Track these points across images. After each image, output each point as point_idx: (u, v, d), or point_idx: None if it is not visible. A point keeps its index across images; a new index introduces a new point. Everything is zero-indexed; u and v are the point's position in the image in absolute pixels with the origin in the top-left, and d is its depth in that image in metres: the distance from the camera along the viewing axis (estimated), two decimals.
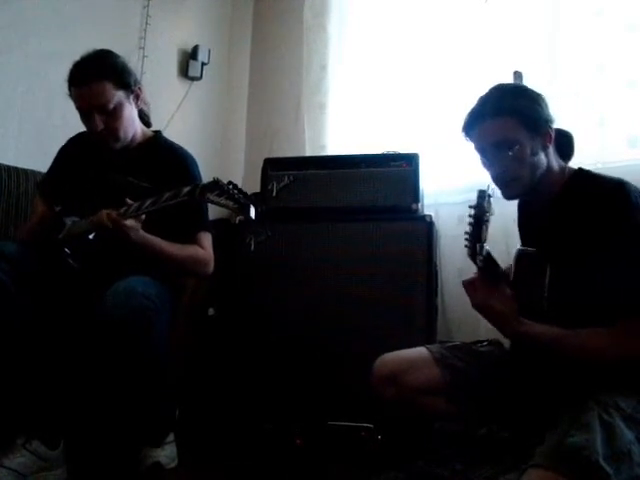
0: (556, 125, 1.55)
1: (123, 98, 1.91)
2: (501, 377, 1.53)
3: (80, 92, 1.88)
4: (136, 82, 1.98)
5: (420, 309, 2.24)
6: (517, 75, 2.62)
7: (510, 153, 1.47)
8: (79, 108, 1.90)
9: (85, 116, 1.90)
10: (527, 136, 1.48)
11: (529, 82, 2.56)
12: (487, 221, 1.32)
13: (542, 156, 1.50)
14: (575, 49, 2.51)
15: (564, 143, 1.59)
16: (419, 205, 2.37)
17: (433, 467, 1.84)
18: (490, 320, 1.46)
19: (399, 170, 2.40)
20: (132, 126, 1.97)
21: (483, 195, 1.32)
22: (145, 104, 2.06)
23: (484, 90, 1.58)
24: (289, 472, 1.99)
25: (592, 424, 1.19)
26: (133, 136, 2.00)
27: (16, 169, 2.35)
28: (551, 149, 1.52)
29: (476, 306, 1.47)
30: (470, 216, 1.33)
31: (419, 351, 1.67)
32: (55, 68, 2.56)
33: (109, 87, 1.87)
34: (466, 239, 1.35)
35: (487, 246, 1.34)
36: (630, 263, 1.33)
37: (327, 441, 2.19)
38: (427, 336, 2.22)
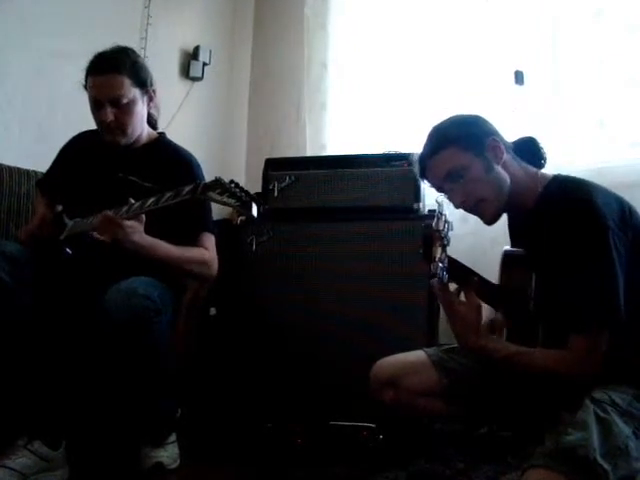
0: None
1: (137, 96, 1.93)
2: (499, 378, 1.53)
3: (97, 81, 1.89)
4: (152, 84, 2.00)
5: (422, 309, 2.24)
6: (518, 75, 2.63)
7: (462, 180, 1.48)
8: (93, 98, 1.91)
9: (97, 106, 1.91)
10: (472, 157, 1.47)
11: (530, 82, 2.59)
12: (442, 238, 1.31)
13: (500, 169, 1.48)
14: (576, 49, 2.51)
15: (530, 150, 1.58)
16: (420, 205, 2.37)
17: (434, 466, 1.85)
18: (452, 325, 1.44)
19: (400, 170, 2.39)
20: (140, 125, 1.99)
21: (433, 214, 1.32)
22: (156, 108, 2.08)
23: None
24: (290, 472, 1.99)
25: (588, 422, 1.20)
26: (139, 136, 2.01)
27: (17, 169, 2.35)
28: (509, 160, 1.50)
29: (444, 306, 1.45)
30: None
31: (417, 355, 1.67)
32: (56, 67, 2.58)
33: (127, 82, 1.89)
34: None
35: (440, 262, 1.31)
36: (582, 281, 1.33)
37: (328, 441, 2.19)
38: (429, 336, 2.22)
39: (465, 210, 1.54)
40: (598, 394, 1.27)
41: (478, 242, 2.46)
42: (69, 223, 1.92)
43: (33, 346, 1.78)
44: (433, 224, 1.28)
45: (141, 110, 1.97)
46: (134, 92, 1.92)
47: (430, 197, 2.55)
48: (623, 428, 1.21)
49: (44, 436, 1.74)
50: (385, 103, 3.03)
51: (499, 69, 2.67)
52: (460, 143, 1.48)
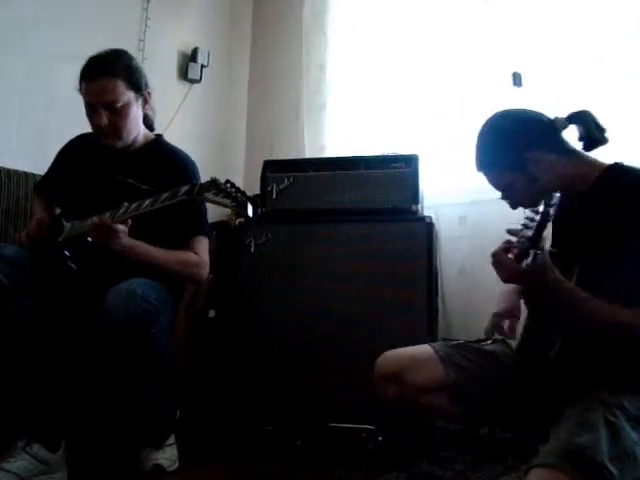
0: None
1: (132, 99, 1.92)
2: (505, 376, 1.52)
3: (91, 87, 1.89)
4: (146, 86, 1.99)
5: (420, 310, 2.24)
6: (516, 76, 2.63)
7: (511, 192, 1.54)
8: (87, 103, 1.91)
9: (91, 111, 1.91)
10: (515, 174, 1.50)
11: (528, 83, 2.59)
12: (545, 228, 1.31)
13: (545, 175, 1.48)
14: (574, 50, 2.51)
15: (585, 122, 1.52)
16: (419, 206, 2.37)
17: (434, 467, 1.84)
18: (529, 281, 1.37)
19: (399, 171, 2.40)
20: (136, 128, 1.98)
21: (550, 203, 1.30)
22: (151, 109, 2.07)
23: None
24: (290, 474, 1.99)
25: (597, 424, 1.19)
26: (135, 138, 2.01)
27: (16, 171, 2.35)
28: (554, 160, 1.48)
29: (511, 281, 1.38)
30: (532, 220, 1.31)
31: (423, 349, 1.64)
32: (54, 70, 2.58)
33: (120, 85, 1.88)
34: (520, 241, 1.32)
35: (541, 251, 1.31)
36: None
37: (328, 443, 2.19)
38: (428, 337, 2.21)
39: None
40: (608, 398, 1.26)
41: (477, 243, 2.47)
42: (67, 225, 1.92)
43: (32, 348, 1.77)
44: (551, 212, 1.27)
45: (136, 113, 1.96)
46: (128, 95, 1.91)
47: (429, 199, 2.57)
48: (630, 433, 1.20)
49: (43, 439, 1.74)
50: (384, 105, 3.03)
51: (497, 71, 2.67)
52: (499, 165, 1.53)
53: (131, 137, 1.97)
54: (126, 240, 1.76)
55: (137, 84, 1.94)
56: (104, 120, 1.88)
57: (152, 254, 1.86)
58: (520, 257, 1.28)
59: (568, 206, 1.53)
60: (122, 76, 1.89)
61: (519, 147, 1.50)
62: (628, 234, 1.35)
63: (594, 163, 1.51)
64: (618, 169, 1.48)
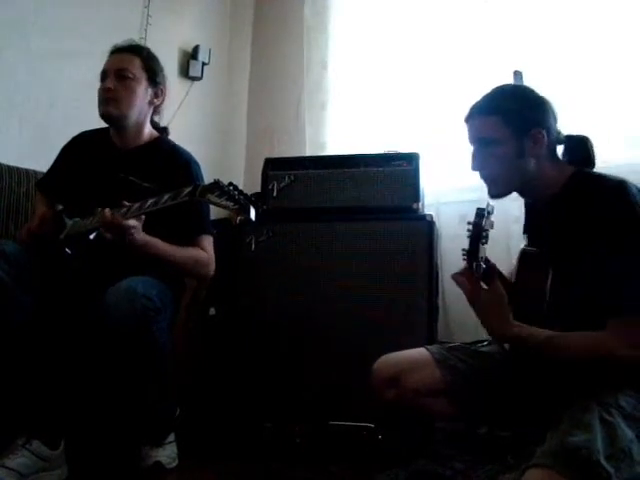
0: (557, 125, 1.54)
1: (143, 80, 2.01)
2: (502, 377, 1.53)
3: (112, 57, 2.03)
4: (162, 83, 2.08)
5: (421, 308, 2.24)
6: (517, 74, 2.62)
7: (488, 150, 1.49)
8: (102, 72, 2.01)
9: (103, 78, 2.00)
10: (511, 136, 1.47)
11: (529, 81, 2.58)
12: (485, 237, 1.31)
13: (530, 160, 1.48)
14: (575, 49, 2.51)
15: (576, 148, 1.55)
16: (419, 204, 2.37)
17: (434, 466, 1.84)
18: (482, 317, 1.44)
19: (399, 170, 2.40)
20: (137, 109, 2.01)
21: (482, 213, 1.30)
22: (160, 106, 2.12)
23: (485, 89, 1.59)
24: (289, 472, 1.99)
25: (593, 424, 1.19)
26: (139, 135, 2.04)
27: (17, 169, 2.35)
28: (545, 155, 1.49)
29: (470, 300, 1.43)
30: (468, 231, 1.32)
31: (419, 352, 1.66)
32: (56, 68, 2.58)
33: (137, 62, 2.01)
34: (463, 256, 1.33)
35: (482, 261, 1.32)
36: (624, 263, 1.32)
37: (328, 441, 2.19)
38: (428, 336, 2.22)
39: (480, 177, 1.56)
40: (604, 396, 1.26)
41: None
42: (69, 222, 1.92)
43: (33, 346, 1.78)
44: (483, 223, 1.27)
45: (142, 95, 2.01)
46: (141, 74, 2.00)
47: (429, 197, 2.57)
48: (627, 432, 1.20)
49: (43, 435, 1.74)
50: (385, 103, 3.03)
51: (498, 69, 2.67)
52: (508, 118, 1.48)
53: (129, 114, 1.99)
54: (141, 236, 1.77)
55: (153, 72, 2.04)
56: (109, 84, 1.96)
57: (167, 251, 1.87)
58: (470, 271, 1.30)
59: (539, 210, 1.56)
60: (142, 57, 2.02)
61: (535, 117, 1.49)
62: (589, 242, 1.36)
63: (566, 168, 1.52)
64: (583, 177, 1.48)
